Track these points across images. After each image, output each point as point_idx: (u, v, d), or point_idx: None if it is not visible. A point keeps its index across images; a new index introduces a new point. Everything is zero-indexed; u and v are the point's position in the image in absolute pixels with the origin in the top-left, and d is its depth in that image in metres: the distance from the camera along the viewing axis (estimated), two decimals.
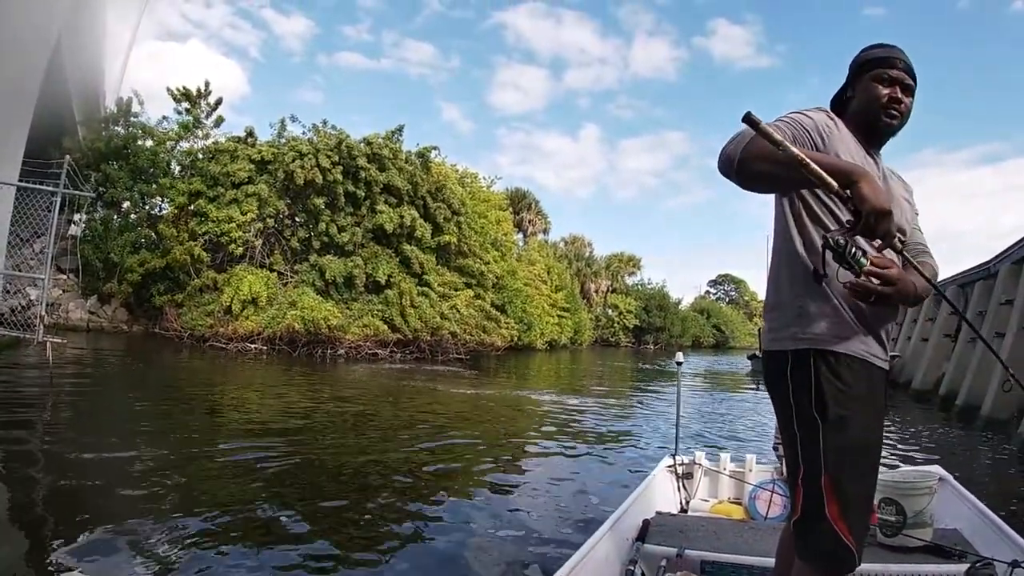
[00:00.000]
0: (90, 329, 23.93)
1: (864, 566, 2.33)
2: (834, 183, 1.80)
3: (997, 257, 17.51)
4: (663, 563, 3.30)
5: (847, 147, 2.18)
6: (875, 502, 3.37)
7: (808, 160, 1.76)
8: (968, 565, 2.55)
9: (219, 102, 29.19)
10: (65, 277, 24.63)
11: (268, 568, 4.53)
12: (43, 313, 11.57)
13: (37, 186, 11.94)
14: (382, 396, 15.10)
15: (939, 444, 11.90)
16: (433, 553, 5.21)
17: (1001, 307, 15.93)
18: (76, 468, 6.71)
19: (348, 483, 7.30)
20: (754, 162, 1.90)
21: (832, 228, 2.09)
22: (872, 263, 1.97)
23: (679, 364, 5.79)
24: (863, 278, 1.98)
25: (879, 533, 3.47)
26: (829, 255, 1.94)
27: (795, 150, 1.75)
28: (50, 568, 4.25)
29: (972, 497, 4.01)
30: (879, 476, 2.90)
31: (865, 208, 1.79)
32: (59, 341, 11.65)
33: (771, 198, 2.37)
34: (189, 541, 4.91)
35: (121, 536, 4.85)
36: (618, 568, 3.38)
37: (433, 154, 30.95)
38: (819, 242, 2.09)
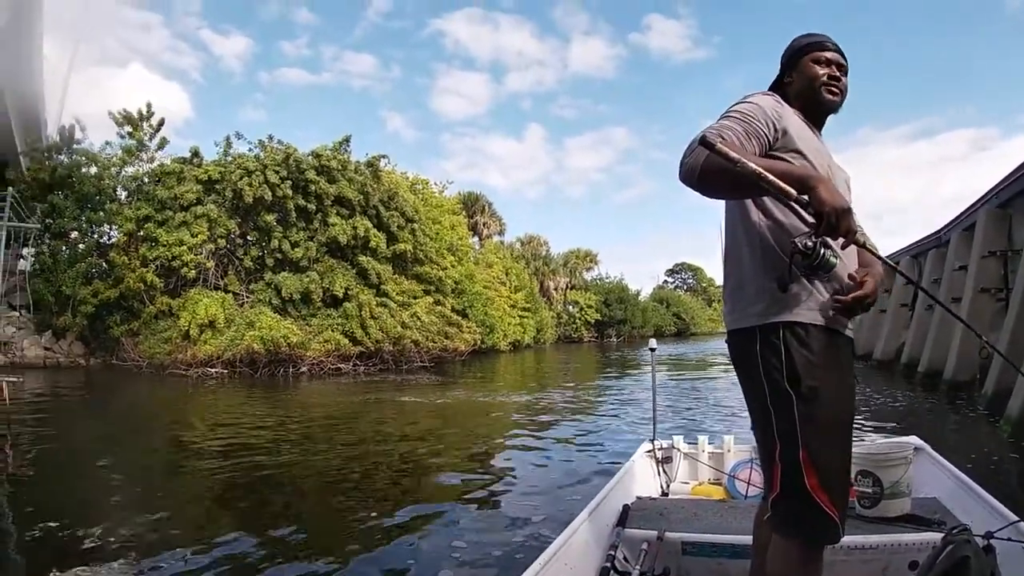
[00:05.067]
0: (47, 365, 23.30)
1: (845, 539, 2.32)
2: (792, 191, 1.87)
3: (948, 225, 17.88)
4: (644, 546, 3.29)
5: (795, 125, 2.23)
6: (852, 475, 3.39)
7: (765, 173, 1.83)
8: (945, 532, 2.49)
9: (162, 123, 28.60)
10: (17, 314, 24.02)
11: None
12: None
13: None
14: (349, 411, 14.99)
15: (907, 411, 12.11)
16: (413, 556, 5.26)
17: (955, 273, 16.23)
18: (42, 509, 6.58)
19: (322, 499, 7.32)
20: (714, 175, 1.94)
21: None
22: (854, 296, 2.10)
23: (652, 350, 5.75)
24: (848, 295, 2.11)
25: (857, 505, 3.49)
26: (799, 259, 2.00)
27: (752, 165, 1.82)
28: None
29: (948, 465, 4.04)
30: (854, 448, 2.90)
31: (826, 210, 1.84)
32: (14, 380, 11.38)
33: None
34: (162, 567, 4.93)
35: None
36: (599, 554, 3.36)
37: (383, 163, 30.84)
38: (780, 217, 2.18)
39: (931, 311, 16.89)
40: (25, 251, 23.62)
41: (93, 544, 5.52)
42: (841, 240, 1.93)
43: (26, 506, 6.90)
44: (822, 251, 1.95)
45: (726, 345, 2.43)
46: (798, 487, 2.08)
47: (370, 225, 27.91)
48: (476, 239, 53.69)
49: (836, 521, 2.08)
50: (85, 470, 8.57)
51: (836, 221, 1.85)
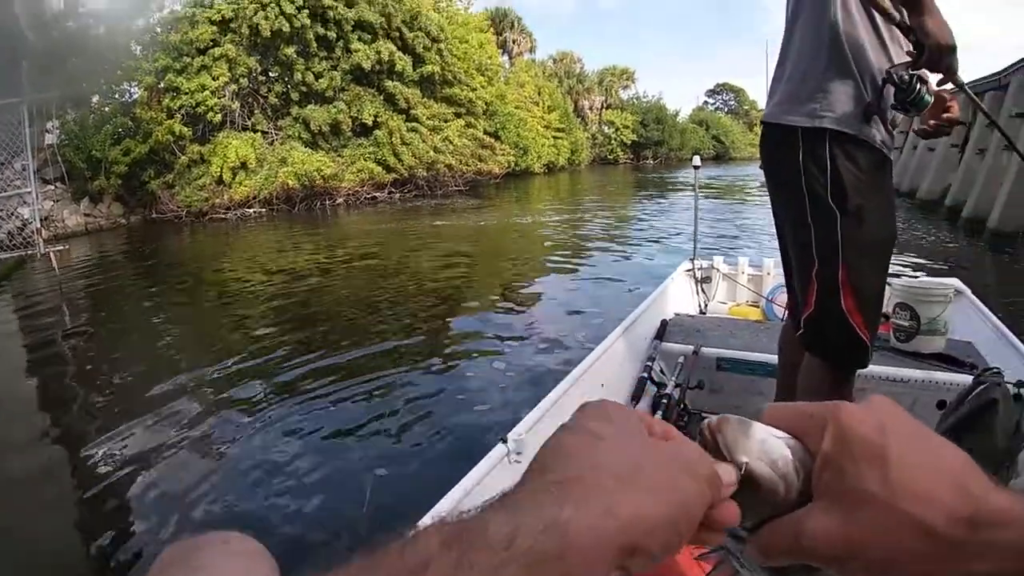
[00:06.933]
0: (89, 231, 23.24)
1: (876, 368, 2.50)
2: (896, 15, 1.81)
3: (1009, 68, 16.86)
4: (681, 359, 3.41)
5: None
6: (890, 307, 3.43)
7: None
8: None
9: None
10: (52, 187, 23.82)
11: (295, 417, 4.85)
12: (39, 226, 11.46)
13: None
14: (386, 239, 15.25)
15: (947, 254, 11.80)
16: (454, 373, 5.63)
17: (1011, 119, 15.29)
18: (103, 365, 6.91)
19: (365, 325, 7.60)
20: None
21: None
22: (943, 118, 2.05)
23: (696, 168, 5.71)
24: (930, 122, 2.06)
25: (892, 337, 3.50)
26: (891, 90, 1.92)
27: None
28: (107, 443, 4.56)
29: (987, 311, 4.01)
30: (895, 281, 3.17)
31: (930, 43, 1.75)
32: (61, 249, 11.57)
33: None
34: (218, 399, 5.32)
35: (162, 410, 5.15)
36: (637, 365, 3.52)
37: None
38: (862, 31, 1.97)
39: (981, 156, 16.13)
40: (50, 124, 23.31)
41: (149, 386, 5.76)
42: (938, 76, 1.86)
43: (85, 363, 7.14)
44: (918, 87, 1.85)
45: (759, 144, 2.28)
46: (833, 307, 2.03)
47: (394, 48, 27.27)
48: (506, 57, 52.77)
49: (867, 345, 2.04)
50: (137, 322, 8.85)
51: (939, 56, 1.76)
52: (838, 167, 1.97)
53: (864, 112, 1.97)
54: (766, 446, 0.43)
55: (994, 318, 3.87)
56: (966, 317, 4.02)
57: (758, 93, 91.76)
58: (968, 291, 4.31)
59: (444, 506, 1.78)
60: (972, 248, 12.60)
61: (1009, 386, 2.38)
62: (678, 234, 13.41)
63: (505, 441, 2.20)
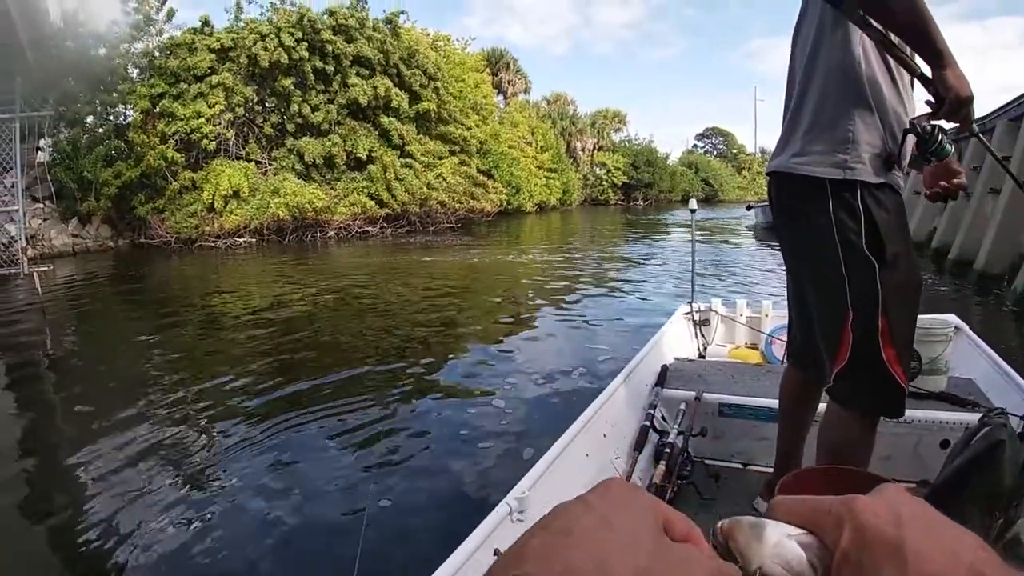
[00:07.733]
0: (76, 252, 22.98)
1: None
2: (916, 68, 1.84)
3: (994, 112, 16.95)
4: (682, 406, 3.37)
5: None
6: None
7: (893, 43, 1.82)
8: (981, 414, 2.41)
9: None
10: (41, 206, 23.53)
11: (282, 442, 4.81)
12: (24, 244, 11.34)
13: None
14: (377, 273, 15.11)
15: (937, 296, 11.76)
16: (449, 420, 5.38)
17: (996, 163, 15.31)
18: (81, 391, 6.75)
19: (357, 361, 7.31)
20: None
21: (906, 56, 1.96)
22: (954, 183, 2.07)
23: (693, 211, 5.75)
24: (941, 184, 2.09)
25: None
26: (913, 140, 1.94)
27: (879, 30, 1.80)
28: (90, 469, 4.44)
29: (987, 348, 3.97)
30: None
31: (950, 96, 1.78)
32: (45, 269, 11.43)
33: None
34: (199, 432, 5.14)
35: (141, 440, 4.97)
36: (639, 412, 3.49)
37: (402, 19, 30.03)
38: (876, 62, 1.97)
39: (967, 198, 16.21)
40: (42, 142, 23.14)
41: (128, 415, 5.60)
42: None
43: (71, 386, 7.02)
44: (940, 137, 1.87)
45: (772, 192, 2.25)
46: (873, 359, 1.97)
47: (391, 84, 27.42)
48: (501, 97, 53.03)
49: (905, 393, 2.01)
50: (119, 347, 8.65)
51: (957, 107, 1.79)
52: (872, 216, 1.95)
53: (887, 160, 1.97)
54: (779, 549, 0.43)
55: (993, 354, 3.85)
56: (966, 354, 4.00)
57: (746, 137, 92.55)
58: (966, 328, 4.30)
59: (452, 564, 1.76)
60: (961, 290, 12.65)
61: (1015, 418, 2.37)
62: (672, 274, 13.46)
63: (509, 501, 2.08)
